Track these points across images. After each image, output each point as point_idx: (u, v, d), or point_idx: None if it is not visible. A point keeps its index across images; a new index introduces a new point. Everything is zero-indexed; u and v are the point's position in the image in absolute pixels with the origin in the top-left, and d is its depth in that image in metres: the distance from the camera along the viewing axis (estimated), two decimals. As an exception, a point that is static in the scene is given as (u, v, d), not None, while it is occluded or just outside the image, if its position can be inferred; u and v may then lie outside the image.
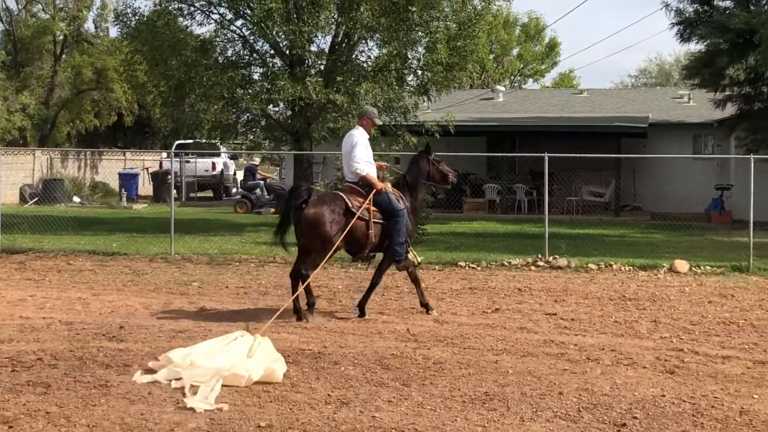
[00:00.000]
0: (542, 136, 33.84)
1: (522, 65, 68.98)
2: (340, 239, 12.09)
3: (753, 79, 30.54)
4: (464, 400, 8.36)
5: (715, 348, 10.83)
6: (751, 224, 18.75)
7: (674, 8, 30.88)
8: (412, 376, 9.26)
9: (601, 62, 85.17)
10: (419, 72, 27.78)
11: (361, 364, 9.75)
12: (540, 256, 19.07)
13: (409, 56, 27.53)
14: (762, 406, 8.16)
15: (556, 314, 13.03)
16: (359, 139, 12.73)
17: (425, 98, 28.15)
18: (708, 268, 18.11)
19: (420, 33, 26.23)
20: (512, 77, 68.41)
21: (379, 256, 13.15)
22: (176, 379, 8.91)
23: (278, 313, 11.19)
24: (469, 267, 18.39)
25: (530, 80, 70.69)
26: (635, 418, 7.80)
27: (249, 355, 9.25)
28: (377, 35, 26.46)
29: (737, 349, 10.76)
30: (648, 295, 14.97)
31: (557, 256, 18.94)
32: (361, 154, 12.60)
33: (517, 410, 8.03)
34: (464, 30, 26.59)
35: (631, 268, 18.26)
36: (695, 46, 32.69)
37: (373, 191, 12.46)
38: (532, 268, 18.42)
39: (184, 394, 8.42)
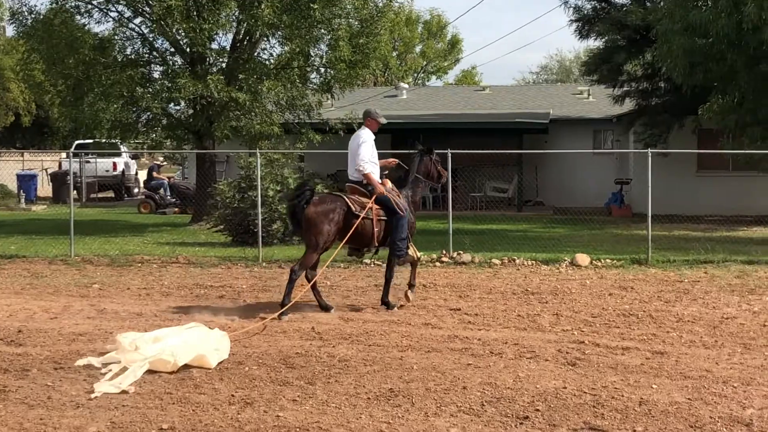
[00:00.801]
0: (446, 133, 34.10)
1: (425, 62, 69.37)
2: (335, 239, 12.78)
3: (650, 75, 31.16)
4: (369, 397, 8.36)
5: (615, 339, 11.00)
6: (650, 217, 19.10)
7: (573, 5, 31.43)
8: (317, 374, 9.23)
9: (502, 59, 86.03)
10: (322, 69, 27.69)
11: (266, 364, 9.68)
12: (444, 252, 19.18)
13: (312, 54, 27.44)
14: (660, 395, 8.30)
15: (460, 309, 13.10)
16: (366, 138, 13.11)
17: (329, 96, 28.08)
18: (608, 261, 18.42)
19: (322, 30, 26.15)
20: (416, 74, 68.76)
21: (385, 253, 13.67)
22: (116, 363, 9.27)
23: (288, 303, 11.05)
24: (374, 264, 18.40)
25: (433, 77, 71.18)
26: (537, 410, 7.88)
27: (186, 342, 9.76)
28: (279, 33, 26.31)
29: (637, 341, 10.94)
30: (550, 289, 15.15)
31: (461, 252, 19.07)
32: (366, 153, 12.98)
33: (421, 406, 8.05)
34: (366, 27, 26.58)
35: (533, 262, 18.48)
36: (594, 43, 33.23)
37: (377, 190, 12.92)
38: (437, 264, 18.52)
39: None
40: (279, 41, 27.53)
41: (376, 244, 13.20)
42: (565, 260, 18.43)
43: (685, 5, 23.41)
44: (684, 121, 30.17)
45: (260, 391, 8.59)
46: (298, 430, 7.43)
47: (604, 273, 17.26)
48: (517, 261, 18.52)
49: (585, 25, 31.43)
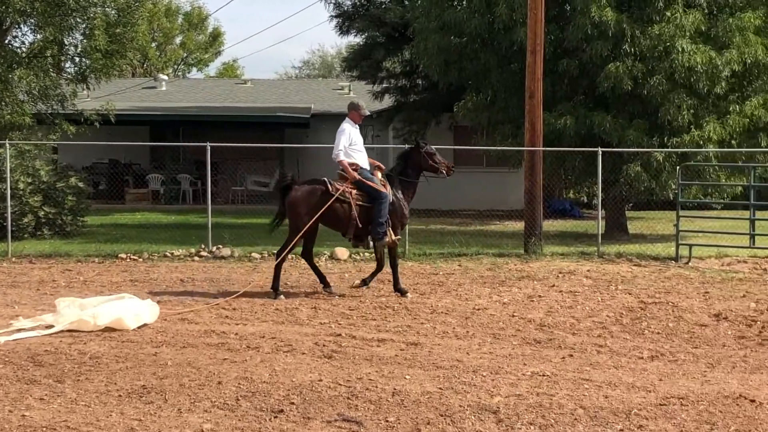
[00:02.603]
0: (207, 126, 33.73)
1: (185, 54, 68.38)
2: (312, 220, 13.48)
3: (408, 72, 31.89)
4: (120, 395, 8.12)
5: (371, 332, 11.14)
6: (408, 211, 19.42)
7: (333, 1, 31.67)
8: (66, 372, 8.90)
9: (265, 53, 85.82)
10: (77, 59, 26.80)
11: (12, 362, 9.26)
12: (203, 246, 18.97)
13: (66, 42, 26.51)
14: (413, 386, 8.45)
15: (218, 304, 12.96)
16: (342, 128, 13.93)
17: (84, 86, 27.18)
18: (366, 254, 18.63)
19: (77, 18, 25.27)
20: (176, 66, 67.68)
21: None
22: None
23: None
24: (130, 259, 17.99)
25: (194, 69, 70.22)
26: (292, 403, 7.86)
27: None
28: (31, 20, 25.27)
29: (392, 332, 11.12)
30: (309, 282, 15.20)
31: (221, 246, 18.91)
32: (341, 142, 13.79)
33: (174, 402, 7.89)
34: (124, 17, 25.89)
35: (293, 255, 18.46)
36: (354, 39, 33.69)
37: (350, 176, 13.69)
38: (196, 258, 18.30)
39: None
40: (31, 29, 26.47)
41: (355, 229, 13.70)
42: (324, 253, 18.57)
43: (441, 4, 24.06)
44: (441, 117, 31.06)
45: (5, 390, 8.20)
46: (45, 429, 7.13)
47: (362, 266, 17.49)
48: (277, 255, 18.51)
49: (345, 21, 31.82)
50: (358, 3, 32.10)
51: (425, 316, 12.23)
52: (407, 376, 8.83)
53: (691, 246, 18.67)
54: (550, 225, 23.61)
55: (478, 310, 12.69)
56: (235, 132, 32.38)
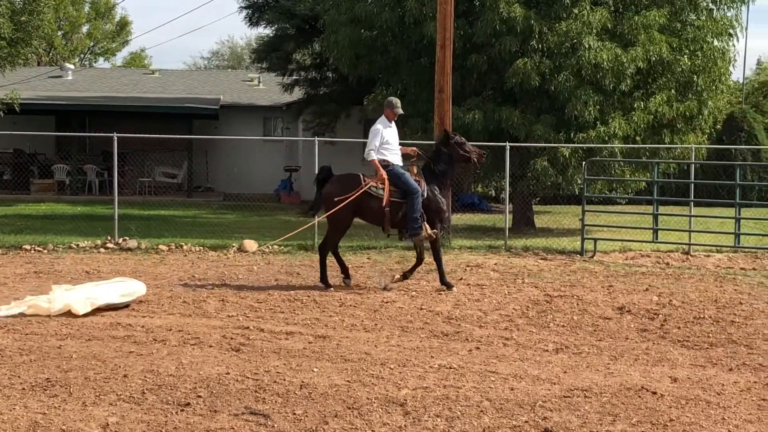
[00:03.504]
0: (114, 116, 33.25)
1: (92, 43, 67.24)
2: (352, 217, 13.92)
3: (318, 65, 31.84)
4: (24, 388, 7.99)
5: (279, 324, 11.13)
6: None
7: (243, -8, 31.43)
8: (-34, 366, 8.73)
9: (173, 43, 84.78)
10: (-19, 46, 26.17)
11: None
12: (110, 238, 18.72)
13: (-32, 30, 25.86)
14: (321, 378, 8.47)
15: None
16: (376, 128, 14.01)
17: (-12, 74, 26.60)
18: (276, 247, 18.62)
19: (-19, 5, 24.70)
20: (82, 55, 66.53)
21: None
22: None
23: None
24: (34, 250, 17.69)
25: (101, 59, 69.06)
26: (199, 396, 7.82)
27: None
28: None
29: (300, 325, 11.12)
30: (217, 275, 15.13)
31: (127, 238, 18.68)
32: (372, 142, 13.90)
33: (79, 395, 7.79)
34: (29, 4, 25.36)
35: (201, 248, 18.41)
36: (264, 31, 33.49)
37: (378, 174, 13.78)
38: (102, 250, 18.06)
39: None
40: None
41: (390, 223, 13.88)
42: (233, 246, 18.48)
43: (352, -3, 24.06)
44: (351, 110, 31.09)
45: None
46: (-57, 426, 7.00)
47: (271, 259, 17.45)
48: (185, 247, 18.38)
49: (255, 12, 31.63)
50: (268, -6, 31.98)
51: (334, 309, 12.25)
52: (315, 369, 8.84)
53: (596, 240, 18.98)
54: (458, 218, 23.78)
55: (387, 303, 12.75)
56: (142, 123, 31.88)
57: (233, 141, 33.52)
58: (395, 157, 14.07)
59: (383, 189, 13.74)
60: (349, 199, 13.56)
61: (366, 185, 13.71)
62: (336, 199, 13.62)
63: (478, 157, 14.46)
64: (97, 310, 11.62)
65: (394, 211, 13.78)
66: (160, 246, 18.34)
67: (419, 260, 14.35)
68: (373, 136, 14.01)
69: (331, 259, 14.28)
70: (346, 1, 24.05)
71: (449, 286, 13.95)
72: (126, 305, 12.06)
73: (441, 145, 14.52)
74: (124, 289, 12.25)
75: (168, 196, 31.20)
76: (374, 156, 13.91)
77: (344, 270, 14.29)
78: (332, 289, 13.74)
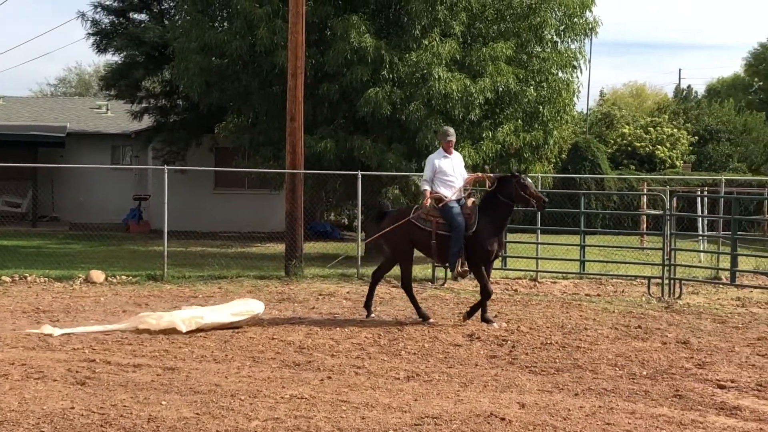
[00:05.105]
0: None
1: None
2: (411, 247, 13.93)
3: (168, 92, 31.41)
4: None
5: (127, 357, 10.88)
6: (165, 234, 19.19)
7: (90, 18, 30.77)
8: None
9: (18, 69, 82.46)
10: None
11: None
12: (-52, 269, 18.04)
13: None
14: (169, 411, 8.30)
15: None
16: (429, 159, 14.17)
17: None
18: (124, 277, 18.28)
19: None
20: None
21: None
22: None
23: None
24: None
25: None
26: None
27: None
28: None
29: (149, 357, 10.89)
30: (63, 307, 14.74)
31: (-33, 270, 18.05)
32: (425, 173, 14.00)
33: None
34: None
35: (46, 279, 17.91)
36: (113, 57, 32.85)
37: (424, 203, 13.81)
38: (-61, 282, 17.38)
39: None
40: None
41: (437, 257, 14.05)
42: (79, 277, 18.04)
43: (202, 25, 23.87)
44: (202, 138, 30.77)
45: None
46: None
47: (119, 290, 17.09)
48: (29, 278, 17.86)
49: (103, 39, 30.98)
50: (116, 21, 31.33)
51: (183, 339, 12.03)
52: (163, 402, 8.66)
53: (446, 268, 19.18)
54: (311, 247, 23.74)
55: (238, 333, 12.60)
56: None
57: (80, 169, 32.78)
58: (448, 189, 13.78)
59: (432, 222, 13.64)
60: (384, 231, 13.94)
61: (409, 217, 13.75)
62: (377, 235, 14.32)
63: (540, 204, 13.88)
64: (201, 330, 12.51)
65: (442, 244, 13.63)
66: (3, 277, 17.77)
67: (483, 293, 13.71)
68: (426, 167, 14.06)
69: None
70: (196, 28, 23.85)
71: (490, 321, 13.57)
72: (238, 325, 12.85)
73: (503, 181, 13.90)
74: (237, 308, 13.18)
75: (12, 225, 30.22)
76: (426, 187, 13.86)
77: (416, 307, 14.20)
78: (431, 321, 13.85)
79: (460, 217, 13.50)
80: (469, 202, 13.89)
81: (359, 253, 20.42)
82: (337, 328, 13.08)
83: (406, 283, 14.16)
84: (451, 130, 14.45)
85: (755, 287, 18.59)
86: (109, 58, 36.69)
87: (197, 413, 8.28)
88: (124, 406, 8.50)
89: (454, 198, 13.73)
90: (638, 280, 19.16)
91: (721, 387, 9.80)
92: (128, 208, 32.54)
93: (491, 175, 14.32)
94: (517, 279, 19.38)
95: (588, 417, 8.46)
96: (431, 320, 13.82)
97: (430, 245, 13.74)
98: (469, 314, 13.68)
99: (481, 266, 13.61)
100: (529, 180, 14.02)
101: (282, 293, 16.97)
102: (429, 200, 13.73)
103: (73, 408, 8.35)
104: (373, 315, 14.20)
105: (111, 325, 12.81)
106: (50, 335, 12.04)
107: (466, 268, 13.52)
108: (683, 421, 8.33)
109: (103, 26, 31.10)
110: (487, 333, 12.80)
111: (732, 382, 10.04)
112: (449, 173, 13.91)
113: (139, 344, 11.69)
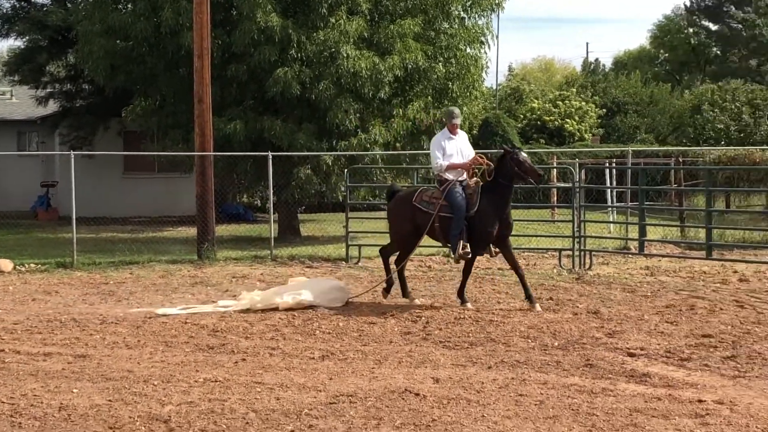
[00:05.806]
0: None
1: None
2: (415, 232, 13.64)
3: (73, 77, 30.88)
4: None
5: (37, 346, 10.72)
6: (74, 220, 18.93)
7: (-10, 3, 30.13)
8: None
9: None
10: None
11: None
12: None
13: None
14: (80, 399, 8.20)
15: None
16: (433, 140, 13.96)
17: None
18: (33, 265, 18.02)
19: None
20: None
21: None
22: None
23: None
24: None
25: None
26: (-51, 427, 7.44)
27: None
28: None
29: (59, 345, 10.75)
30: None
31: None
32: (433, 154, 13.63)
33: None
34: None
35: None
36: (15, 42, 32.15)
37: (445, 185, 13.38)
38: None
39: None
40: None
41: (441, 239, 13.85)
42: (-13, 266, 17.71)
43: (105, 7, 23.50)
44: (109, 122, 30.32)
45: None
46: None
47: (28, 278, 16.82)
48: (-66, 270, 17.46)
49: (5, 23, 30.32)
50: (17, 5, 30.68)
51: (95, 327, 11.89)
52: (75, 390, 8.57)
53: (360, 246, 19.23)
54: (223, 230, 23.61)
55: (150, 318, 12.48)
56: None
57: (-15, 157, 32.10)
58: (452, 170, 13.48)
59: (434, 204, 13.38)
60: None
61: (413, 200, 13.60)
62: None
63: (535, 178, 13.65)
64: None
65: (445, 226, 13.37)
66: None
67: (517, 272, 13.52)
68: (433, 148, 13.64)
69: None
70: (99, 11, 23.46)
71: (533, 302, 13.19)
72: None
73: (502, 157, 13.57)
74: (333, 292, 13.67)
75: None
76: (445, 163, 13.41)
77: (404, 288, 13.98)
78: (417, 301, 13.69)
79: (462, 199, 13.30)
80: (472, 182, 13.62)
81: (272, 234, 20.33)
82: (251, 310, 13.03)
83: (399, 263, 14.05)
84: (457, 111, 14.15)
85: (663, 256, 18.93)
86: (11, 43, 35.94)
87: (109, 400, 8.20)
88: (35, 395, 8.39)
89: (459, 179, 13.56)
90: (549, 252, 19.39)
91: (631, 355, 9.99)
92: (36, 195, 31.95)
93: (490, 163, 13.63)
94: (431, 255, 19.46)
95: (501, 389, 8.55)
96: (417, 301, 13.71)
97: (433, 227, 13.57)
98: (529, 296, 13.27)
99: (486, 248, 13.50)
100: (524, 154, 13.51)
101: (195, 277, 16.85)
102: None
103: (-19, 399, 8.22)
104: (414, 299, 13.85)
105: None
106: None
107: (468, 250, 13.26)
108: (594, 390, 8.47)
109: (4, 10, 30.45)
110: (401, 309, 12.87)
111: (641, 349, 10.23)
112: (454, 153, 13.67)
113: (49, 332, 11.53)
